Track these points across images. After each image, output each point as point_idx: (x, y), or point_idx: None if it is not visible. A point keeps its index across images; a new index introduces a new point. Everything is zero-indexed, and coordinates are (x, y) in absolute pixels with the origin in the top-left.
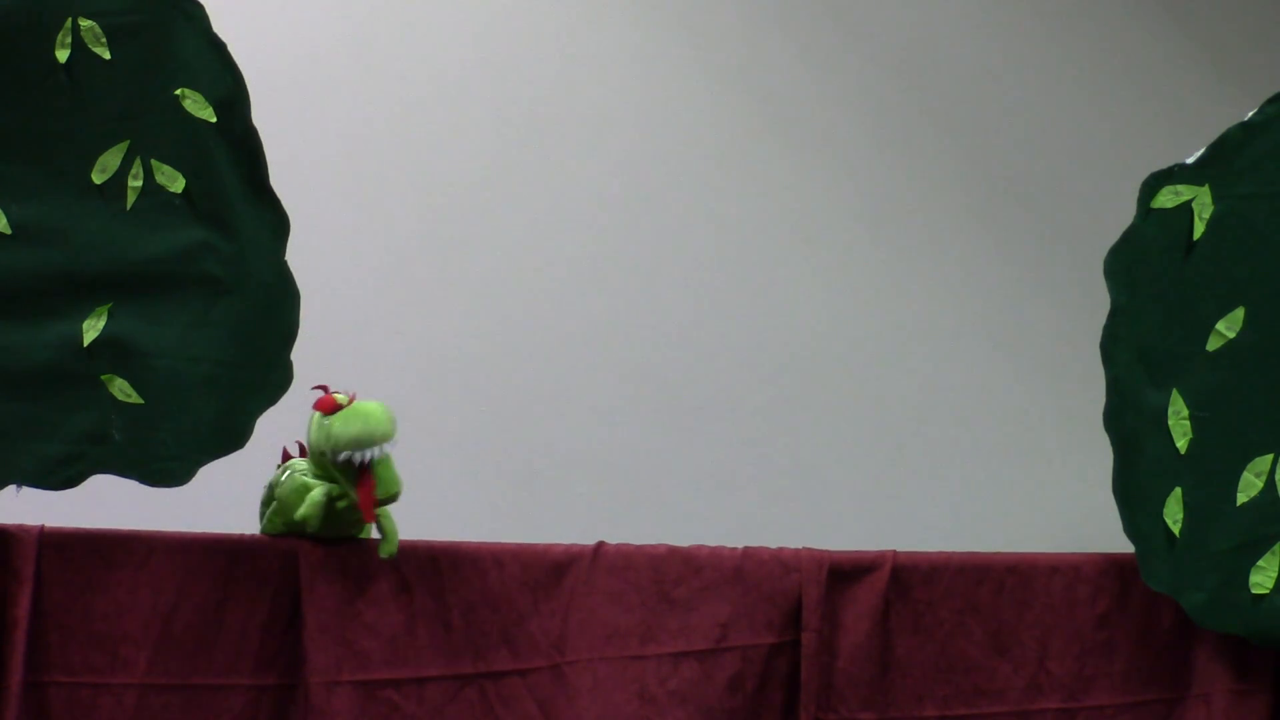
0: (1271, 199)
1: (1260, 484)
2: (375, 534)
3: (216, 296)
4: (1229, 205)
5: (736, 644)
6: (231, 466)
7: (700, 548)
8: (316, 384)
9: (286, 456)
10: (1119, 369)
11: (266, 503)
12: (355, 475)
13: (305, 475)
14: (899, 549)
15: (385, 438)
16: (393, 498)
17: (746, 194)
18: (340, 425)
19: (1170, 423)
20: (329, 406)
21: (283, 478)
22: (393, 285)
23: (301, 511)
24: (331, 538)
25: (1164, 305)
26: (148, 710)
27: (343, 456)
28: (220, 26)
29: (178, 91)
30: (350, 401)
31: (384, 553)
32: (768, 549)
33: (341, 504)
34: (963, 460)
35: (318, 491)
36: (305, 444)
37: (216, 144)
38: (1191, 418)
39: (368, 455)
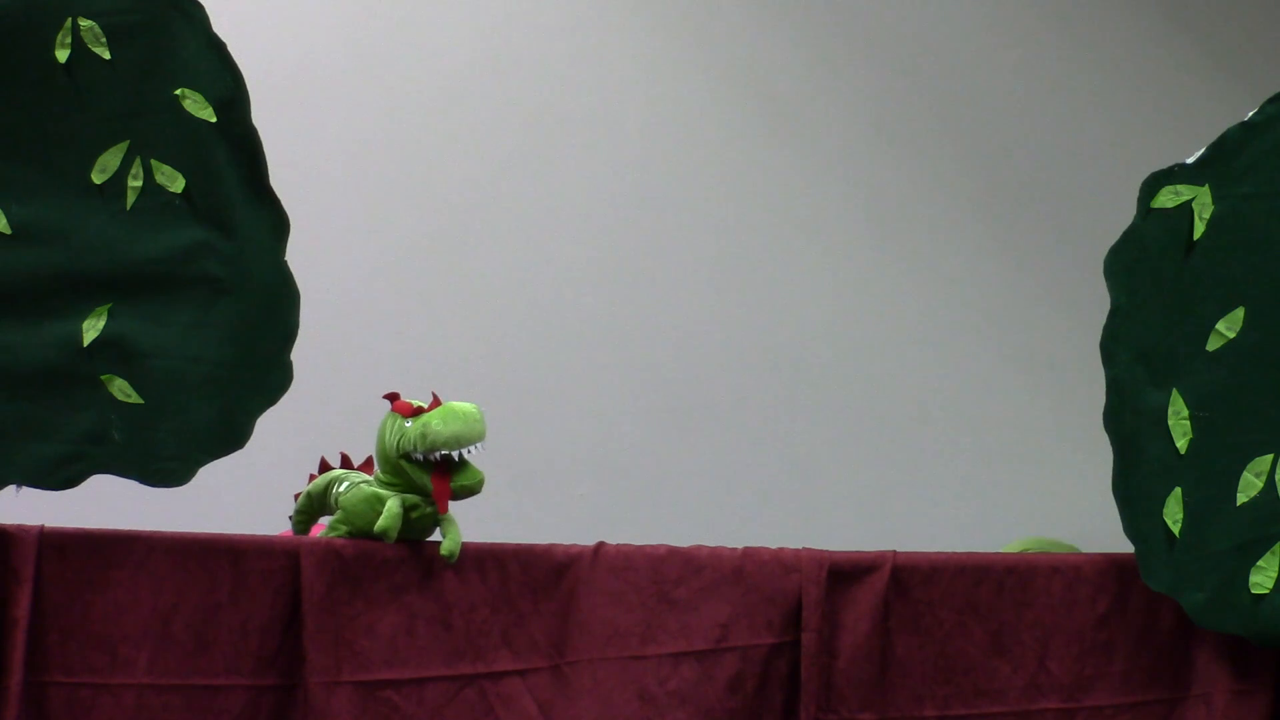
0: (1271, 199)
1: (1260, 484)
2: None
3: (216, 296)
4: (1229, 205)
5: (736, 644)
6: (231, 466)
7: (700, 548)
8: (386, 393)
9: (325, 466)
10: (1119, 369)
11: (304, 511)
12: (433, 469)
13: (371, 485)
14: (899, 549)
15: (480, 436)
16: (473, 488)
17: (748, 194)
18: (440, 424)
19: (1170, 423)
20: (409, 410)
21: (340, 488)
22: (393, 285)
23: (382, 524)
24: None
25: (1164, 305)
26: (147, 710)
27: (440, 455)
28: (220, 26)
29: (178, 91)
30: (433, 403)
31: (445, 551)
32: (768, 549)
33: (416, 514)
34: (963, 460)
35: (394, 503)
36: (345, 453)
37: (216, 144)
38: (1191, 418)
39: (462, 454)
